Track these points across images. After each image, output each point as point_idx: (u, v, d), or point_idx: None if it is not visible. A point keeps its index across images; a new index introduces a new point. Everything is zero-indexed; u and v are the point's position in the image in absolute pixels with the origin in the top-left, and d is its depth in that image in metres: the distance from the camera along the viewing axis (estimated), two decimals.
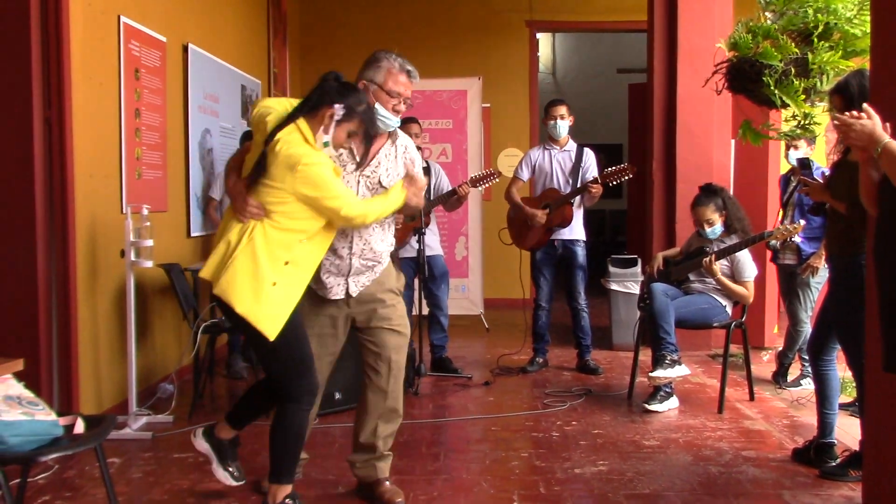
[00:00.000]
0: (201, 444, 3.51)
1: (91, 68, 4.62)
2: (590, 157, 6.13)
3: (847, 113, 2.81)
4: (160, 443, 4.47)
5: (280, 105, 3.23)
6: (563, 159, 6.13)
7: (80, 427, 2.90)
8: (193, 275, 5.53)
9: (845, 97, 3.52)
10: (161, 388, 5.30)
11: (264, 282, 3.05)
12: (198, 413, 4.96)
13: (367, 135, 3.32)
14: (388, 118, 3.44)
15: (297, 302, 3.17)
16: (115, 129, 4.92)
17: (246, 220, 3.10)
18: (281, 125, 3.10)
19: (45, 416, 2.81)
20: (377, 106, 3.39)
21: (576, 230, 6.08)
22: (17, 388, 2.86)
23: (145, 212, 4.61)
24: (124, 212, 4.83)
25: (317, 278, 3.41)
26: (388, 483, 3.61)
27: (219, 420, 3.53)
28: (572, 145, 6.17)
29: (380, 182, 3.46)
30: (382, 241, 3.54)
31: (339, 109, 3.14)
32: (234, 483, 3.51)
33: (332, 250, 3.38)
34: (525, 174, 6.21)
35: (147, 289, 5.37)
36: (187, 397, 5.16)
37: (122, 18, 4.96)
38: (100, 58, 4.75)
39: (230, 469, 3.51)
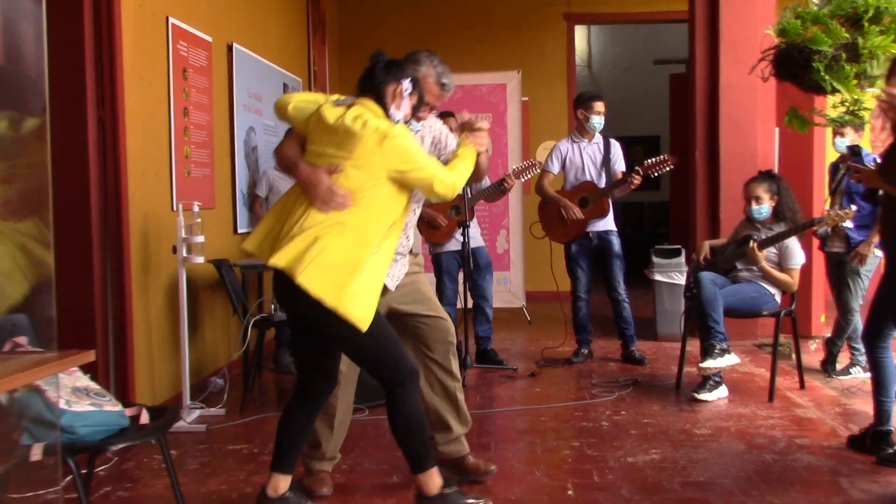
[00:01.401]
0: None
1: (142, 69, 4.71)
2: (617, 148, 6.14)
3: None
4: (214, 435, 4.55)
5: (315, 97, 3.22)
6: (593, 152, 6.12)
7: (145, 417, 2.96)
8: (242, 270, 5.60)
9: None
10: (212, 382, 5.39)
11: (353, 272, 2.91)
12: (249, 406, 5.03)
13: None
14: (411, 124, 3.34)
15: (381, 289, 3.07)
16: (164, 128, 5.00)
17: (329, 211, 2.96)
18: (340, 107, 3.05)
19: (112, 406, 2.88)
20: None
21: (608, 221, 6.09)
22: (84, 380, 2.93)
23: (196, 209, 4.69)
24: (175, 209, 4.91)
25: None
26: (471, 457, 3.74)
27: (267, 481, 3.26)
28: (599, 137, 6.17)
29: None
30: (407, 238, 3.54)
31: (406, 84, 3.10)
32: None
33: None
34: (556, 167, 6.20)
35: (197, 284, 5.45)
36: (238, 391, 5.23)
37: (171, 19, 5.04)
38: (150, 58, 4.83)
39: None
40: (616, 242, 6.10)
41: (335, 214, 2.95)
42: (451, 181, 3.10)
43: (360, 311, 2.92)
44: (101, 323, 4.39)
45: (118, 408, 2.90)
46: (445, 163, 3.28)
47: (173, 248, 4.71)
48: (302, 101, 3.21)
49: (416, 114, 3.26)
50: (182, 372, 4.76)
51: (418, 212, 3.63)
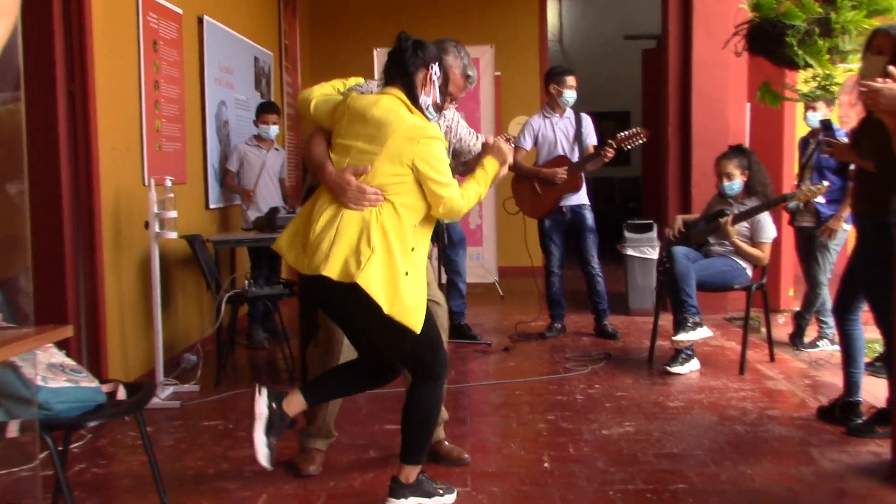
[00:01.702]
0: (260, 406, 3.12)
1: (112, 41, 4.63)
2: (588, 122, 6.16)
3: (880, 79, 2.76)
4: (189, 411, 4.52)
5: (334, 85, 3.19)
6: (566, 126, 6.13)
7: (121, 394, 2.93)
8: (215, 246, 5.56)
9: (893, 38, 3.43)
10: (185, 358, 5.36)
11: (399, 274, 2.84)
12: (223, 382, 5.01)
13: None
14: (430, 112, 3.13)
15: (425, 288, 2.98)
16: (135, 102, 4.93)
17: (363, 209, 2.87)
18: (368, 96, 2.97)
19: (89, 383, 2.84)
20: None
21: (582, 195, 6.11)
22: (60, 357, 2.90)
23: (168, 183, 4.63)
24: (147, 184, 4.85)
25: None
26: (447, 443, 3.72)
27: (290, 391, 3.18)
28: (570, 112, 6.17)
29: None
30: None
31: (436, 68, 3.00)
32: (264, 462, 3.12)
33: None
34: (528, 143, 6.20)
35: (170, 260, 5.40)
36: (211, 367, 5.21)
37: None
38: (120, 31, 4.75)
39: (270, 443, 3.17)
40: (589, 216, 6.13)
41: (370, 211, 2.87)
42: (458, 208, 2.98)
43: (413, 315, 2.87)
44: (73, 299, 4.34)
45: (94, 384, 2.87)
46: (453, 151, 3.25)
47: (145, 224, 4.65)
48: (322, 94, 3.15)
49: (440, 104, 3.13)
50: (155, 348, 4.72)
51: None
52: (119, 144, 4.71)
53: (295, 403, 3.16)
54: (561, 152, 6.10)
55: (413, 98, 2.98)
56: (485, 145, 3.24)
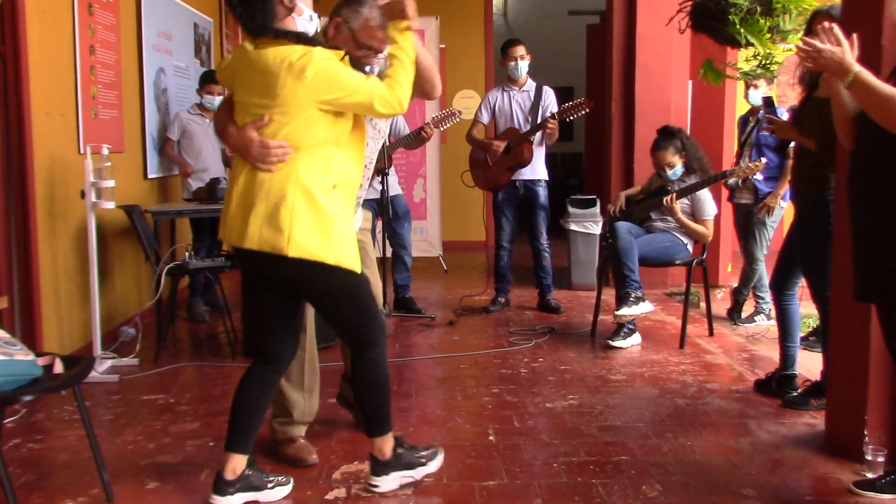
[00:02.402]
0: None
1: (45, 2, 4.46)
2: (549, 94, 6.14)
3: (817, 35, 2.77)
4: (127, 385, 4.43)
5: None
6: (523, 99, 6.13)
7: (59, 367, 2.85)
8: (154, 217, 5.43)
9: (836, 20, 3.51)
10: (123, 331, 5.24)
11: (329, 217, 2.70)
12: (163, 356, 4.92)
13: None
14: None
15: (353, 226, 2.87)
16: (69, 67, 4.76)
17: (272, 169, 2.70)
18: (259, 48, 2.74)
19: (24, 356, 2.76)
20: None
21: (538, 170, 6.11)
22: None
23: (105, 152, 4.51)
24: (83, 152, 4.71)
25: None
26: (301, 440, 3.48)
27: (224, 463, 2.93)
28: (531, 84, 6.17)
29: None
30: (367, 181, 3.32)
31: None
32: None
33: None
34: (485, 117, 6.20)
35: (107, 231, 5.27)
36: (151, 340, 5.10)
37: None
38: None
39: (278, 484, 3.03)
40: (543, 193, 6.13)
41: (280, 168, 2.70)
42: (393, 96, 2.75)
43: (351, 256, 2.76)
44: (5, 270, 4.20)
45: (30, 357, 2.78)
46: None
47: (81, 193, 4.52)
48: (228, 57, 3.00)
49: (359, 57, 2.90)
50: (92, 321, 4.61)
51: (378, 144, 3.35)
52: (53, 111, 4.56)
53: (236, 464, 2.93)
54: (514, 125, 6.09)
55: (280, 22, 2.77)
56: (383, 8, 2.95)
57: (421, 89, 3.13)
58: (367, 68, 2.99)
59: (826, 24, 2.75)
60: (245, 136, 2.73)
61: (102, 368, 4.59)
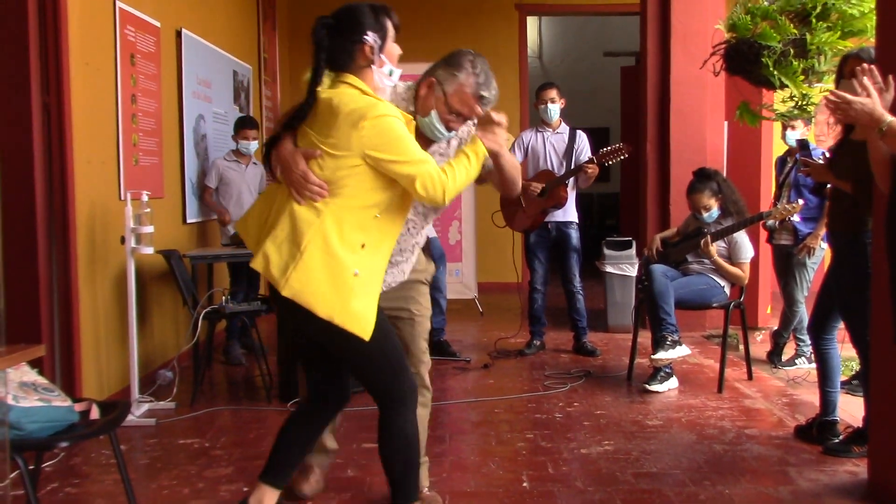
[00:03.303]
0: None
1: (88, 54, 4.59)
2: (583, 139, 6.16)
3: (850, 86, 2.76)
4: (164, 429, 4.47)
5: None
6: (557, 141, 6.15)
7: (95, 413, 2.89)
8: (192, 261, 5.51)
9: (866, 62, 3.51)
10: (161, 374, 5.29)
11: (345, 273, 2.57)
12: (199, 399, 4.95)
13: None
14: (438, 130, 2.91)
15: (380, 289, 2.70)
16: (112, 115, 4.88)
17: (305, 203, 2.61)
18: (313, 84, 2.66)
19: (62, 402, 2.80)
20: (433, 112, 2.89)
21: (569, 212, 6.12)
22: (32, 375, 2.85)
23: (145, 198, 4.59)
24: (123, 198, 4.81)
25: None
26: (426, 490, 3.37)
27: (252, 491, 2.98)
28: (565, 128, 6.20)
29: None
30: (419, 233, 3.12)
31: (372, 37, 2.69)
32: None
33: None
34: (518, 156, 6.22)
35: (146, 275, 5.35)
36: (187, 384, 5.14)
37: (118, 3, 4.92)
38: (96, 43, 4.71)
39: None
40: (574, 235, 6.14)
41: (312, 206, 2.61)
42: (440, 183, 2.60)
43: (360, 320, 2.59)
44: (46, 315, 4.28)
45: (67, 403, 2.82)
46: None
47: (121, 239, 4.60)
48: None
49: (445, 121, 2.87)
50: (130, 365, 4.67)
51: (419, 232, 3.17)
52: (94, 158, 4.66)
53: (265, 496, 2.92)
54: (548, 167, 6.11)
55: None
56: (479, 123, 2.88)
57: (503, 188, 3.09)
58: (452, 133, 2.96)
59: (865, 65, 2.74)
60: (294, 156, 2.65)
61: (140, 412, 4.63)
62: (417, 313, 3.21)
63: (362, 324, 2.60)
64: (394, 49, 2.77)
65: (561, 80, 6.40)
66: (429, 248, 3.19)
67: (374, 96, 2.66)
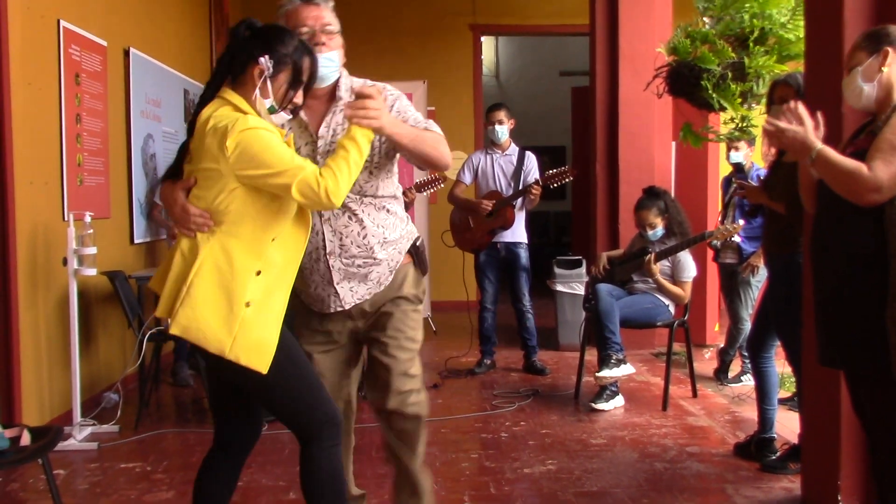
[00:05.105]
0: None
1: (30, 73, 4.55)
2: (531, 160, 6.22)
3: (782, 114, 2.84)
4: (106, 453, 4.41)
5: None
6: (505, 163, 6.21)
7: (26, 439, 2.86)
8: (138, 282, 5.46)
9: (794, 88, 3.62)
10: (106, 397, 5.23)
11: (235, 305, 2.36)
12: (144, 422, 4.90)
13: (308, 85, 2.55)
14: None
15: (282, 316, 2.47)
16: (55, 135, 4.84)
17: (192, 235, 2.42)
18: (200, 103, 2.45)
19: None
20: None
21: (518, 233, 6.16)
22: None
23: (88, 219, 4.55)
24: (66, 219, 4.76)
25: (305, 289, 2.83)
26: None
27: None
28: (514, 149, 6.26)
29: None
30: (374, 235, 2.78)
31: (266, 62, 2.41)
32: None
33: (307, 252, 2.67)
34: (468, 177, 6.27)
35: (90, 297, 5.29)
36: (133, 406, 5.09)
37: (62, 22, 4.88)
38: (39, 63, 4.67)
39: None
40: (524, 255, 6.18)
41: (200, 238, 2.40)
42: (320, 185, 2.35)
43: (255, 353, 2.38)
44: None
45: None
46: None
47: (63, 261, 4.56)
48: None
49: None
50: (73, 388, 4.61)
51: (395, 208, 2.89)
52: (37, 179, 4.62)
53: None
54: (496, 188, 6.16)
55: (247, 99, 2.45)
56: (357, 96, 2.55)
57: (420, 162, 2.90)
58: (327, 55, 2.66)
59: (792, 103, 2.81)
60: (174, 193, 2.46)
61: (82, 436, 4.57)
62: (392, 338, 2.86)
63: (258, 356, 2.38)
64: (289, 94, 2.49)
65: (518, 100, 6.44)
66: (423, 260, 2.95)
67: (245, 110, 2.41)
